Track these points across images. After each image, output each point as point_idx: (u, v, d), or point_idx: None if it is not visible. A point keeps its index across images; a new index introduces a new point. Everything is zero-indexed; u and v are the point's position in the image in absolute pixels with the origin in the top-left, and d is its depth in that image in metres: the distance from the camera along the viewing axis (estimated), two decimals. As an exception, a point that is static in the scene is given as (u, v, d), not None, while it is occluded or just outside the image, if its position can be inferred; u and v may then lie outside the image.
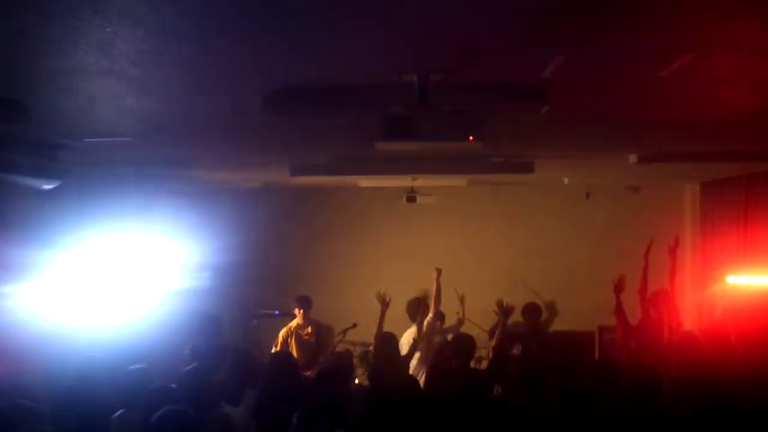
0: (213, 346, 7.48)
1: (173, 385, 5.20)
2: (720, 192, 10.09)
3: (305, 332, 8.87)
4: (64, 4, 2.78)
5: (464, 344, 6.76)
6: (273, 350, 8.65)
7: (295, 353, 8.45)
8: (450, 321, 8.88)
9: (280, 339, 8.84)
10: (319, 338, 8.91)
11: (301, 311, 8.87)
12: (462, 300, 8.84)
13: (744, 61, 3.62)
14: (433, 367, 7.00)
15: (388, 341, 7.27)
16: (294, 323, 8.92)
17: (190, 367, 5.71)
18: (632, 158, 7.38)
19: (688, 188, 11.20)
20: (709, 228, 10.42)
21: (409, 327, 8.36)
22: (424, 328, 8.15)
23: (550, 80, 3.98)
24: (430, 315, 8.27)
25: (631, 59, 3.66)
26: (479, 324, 8.75)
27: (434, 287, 8.51)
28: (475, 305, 9.05)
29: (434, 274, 8.57)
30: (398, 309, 8.53)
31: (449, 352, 6.87)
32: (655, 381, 4.98)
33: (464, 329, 8.30)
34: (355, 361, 8.40)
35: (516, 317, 8.49)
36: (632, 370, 5.31)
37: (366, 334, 9.27)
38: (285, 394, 5.50)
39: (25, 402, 4.55)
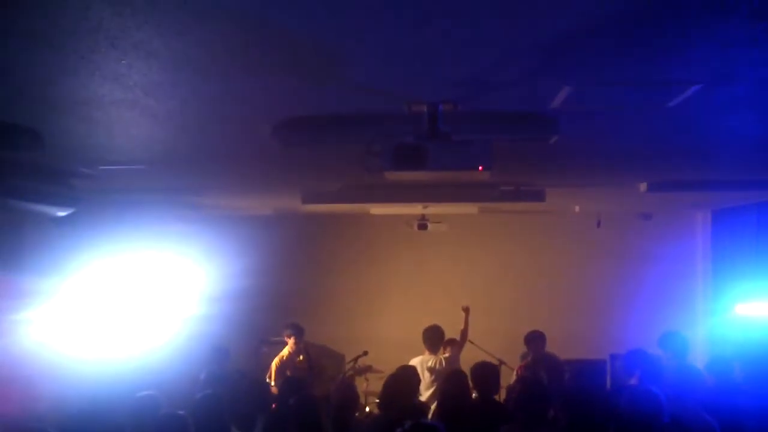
0: (225, 373, 7.50)
1: (182, 412, 5.23)
2: (731, 219, 10.07)
3: (298, 360, 8.83)
4: (80, 37, 2.84)
5: (489, 375, 6.40)
6: (267, 380, 8.58)
7: None
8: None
9: (273, 368, 8.73)
10: (311, 364, 8.86)
11: (293, 339, 8.82)
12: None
13: (750, 90, 3.65)
14: (446, 395, 6.35)
15: (405, 374, 6.88)
16: (286, 351, 8.83)
17: (201, 394, 5.75)
18: (643, 186, 7.38)
19: (700, 216, 11.19)
20: (720, 256, 10.40)
21: (421, 353, 8.32)
22: (443, 363, 8.13)
23: (559, 110, 4.02)
24: (449, 354, 8.26)
25: (638, 89, 3.69)
26: (488, 350, 8.73)
27: (462, 326, 8.50)
28: (485, 331, 9.05)
29: (463, 314, 8.61)
30: (410, 335, 8.54)
31: (473, 381, 6.42)
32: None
33: (472, 356, 8.24)
34: None
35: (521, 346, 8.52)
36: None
37: (376, 361, 9.28)
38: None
39: (51, 429, 4.59)
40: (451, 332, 8.68)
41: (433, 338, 8.27)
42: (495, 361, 7.87)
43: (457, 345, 8.49)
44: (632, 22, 2.74)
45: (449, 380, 6.50)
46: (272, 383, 8.59)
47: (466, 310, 8.68)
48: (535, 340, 8.58)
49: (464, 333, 8.58)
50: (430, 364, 8.16)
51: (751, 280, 8.96)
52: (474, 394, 6.46)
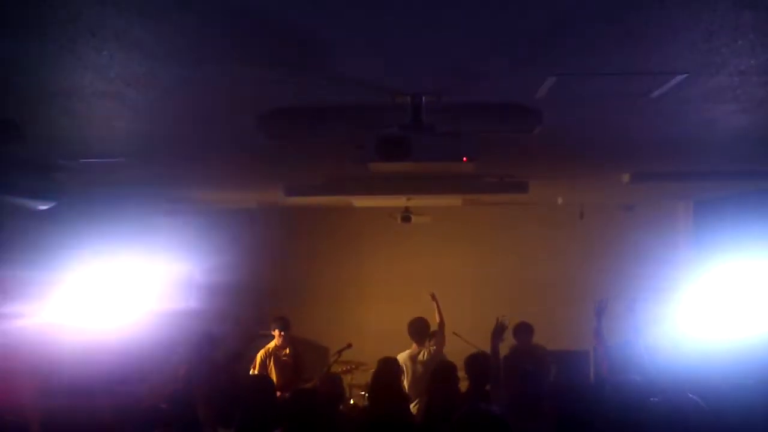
0: (207, 366, 7.48)
1: (164, 406, 5.21)
2: (713, 210, 10.12)
3: (283, 353, 8.83)
4: (60, 27, 2.80)
5: (483, 365, 6.37)
6: (251, 372, 8.62)
7: (273, 374, 8.48)
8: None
9: (258, 360, 8.76)
10: (297, 359, 8.89)
11: (280, 332, 8.84)
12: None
13: (733, 81, 3.66)
14: (436, 390, 6.33)
15: (389, 366, 6.94)
16: (272, 344, 8.87)
17: (181, 388, 5.73)
18: (625, 178, 7.41)
19: (681, 207, 11.24)
20: (702, 246, 10.45)
21: (406, 345, 8.29)
22: (426, 356, 8.09)
23: (543, 101, 4.02)
24: (434, 346, 8.22)
25: (622, 79, 3.69)
26: (473, 342, 8.74)
27: (436, 314, 8.45)
28: (469, 324, 9.04)
29: (432, 303, 8.53)
30: (394, 327, 8.53)
31: (468, 372, 6.44)
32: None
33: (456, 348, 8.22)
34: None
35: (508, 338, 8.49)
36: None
37: (360, 353, 9.29)
38: (262, 416, 5.46)
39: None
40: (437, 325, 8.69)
41: (419, 331, 8.25)
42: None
43: (439, 336, 8.45)
44: (617, 11, 2.73)
45: (438, 373, 6.47)
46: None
47: (433, 296, 8.63)
48: (523, 331, 8.59)
49: (440, 322, 8.53)
50: (420, 357, 8.15)
51: (733, 270, 9.01)
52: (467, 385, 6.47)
